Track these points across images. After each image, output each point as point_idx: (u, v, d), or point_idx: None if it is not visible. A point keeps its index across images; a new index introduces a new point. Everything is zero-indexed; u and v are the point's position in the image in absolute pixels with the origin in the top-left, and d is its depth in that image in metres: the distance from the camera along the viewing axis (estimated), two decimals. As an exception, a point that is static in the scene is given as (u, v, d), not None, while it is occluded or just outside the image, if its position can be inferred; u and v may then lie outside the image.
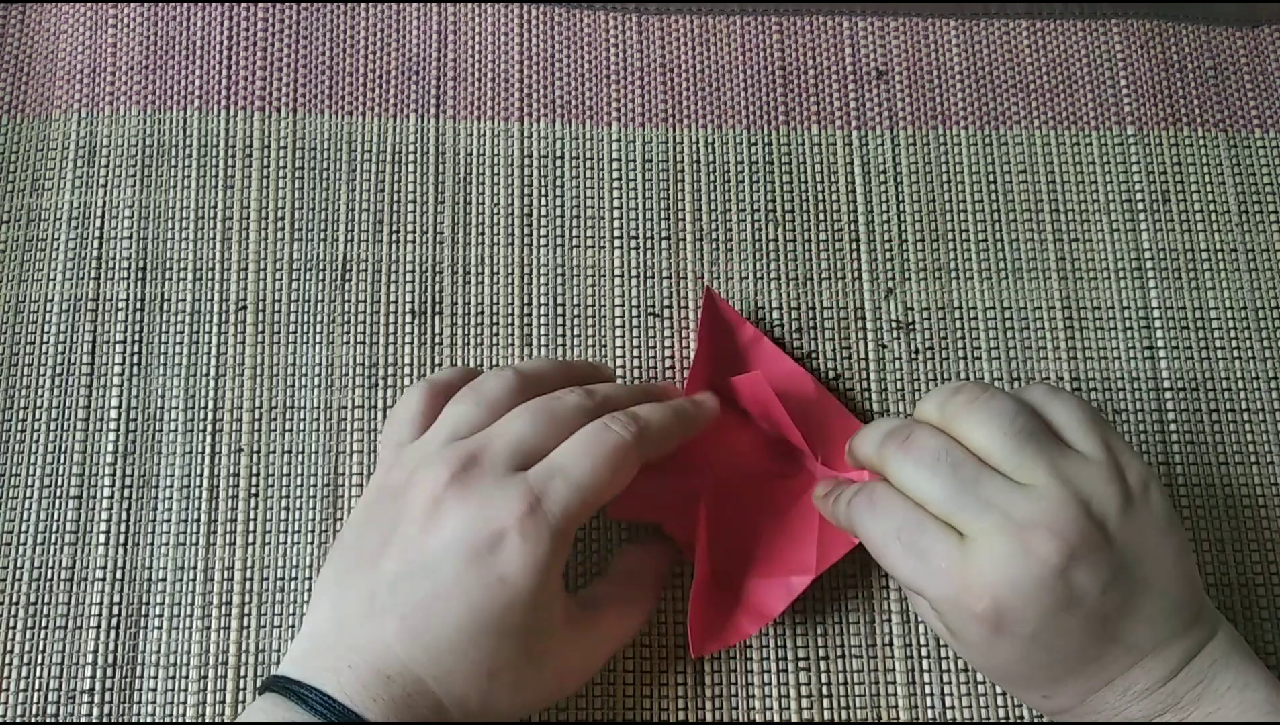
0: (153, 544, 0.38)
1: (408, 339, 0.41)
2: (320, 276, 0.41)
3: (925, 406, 0.34)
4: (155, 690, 0.37)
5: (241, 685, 0.37)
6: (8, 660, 0.37)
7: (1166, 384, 0.42)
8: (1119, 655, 0.31)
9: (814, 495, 0.37)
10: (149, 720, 0.36)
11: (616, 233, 0.43)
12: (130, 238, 0.42)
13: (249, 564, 0.38)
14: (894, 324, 0.42)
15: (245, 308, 0.41)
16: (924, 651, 0.38)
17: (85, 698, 0.37)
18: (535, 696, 0.33)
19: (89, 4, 0.45)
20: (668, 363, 0.41)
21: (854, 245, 0.43)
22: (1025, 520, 0.30)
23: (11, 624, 0.37)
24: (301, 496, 0.39)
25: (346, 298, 0.41)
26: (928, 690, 0.37)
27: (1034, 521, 0.30)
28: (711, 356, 0.39)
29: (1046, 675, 0.32)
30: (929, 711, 0.37)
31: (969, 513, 0.30)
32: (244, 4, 0.44)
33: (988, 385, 0.33)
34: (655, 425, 0.33)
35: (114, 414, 0.40)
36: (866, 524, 0.33)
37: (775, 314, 0.42)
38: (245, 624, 0.38)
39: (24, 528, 0.38)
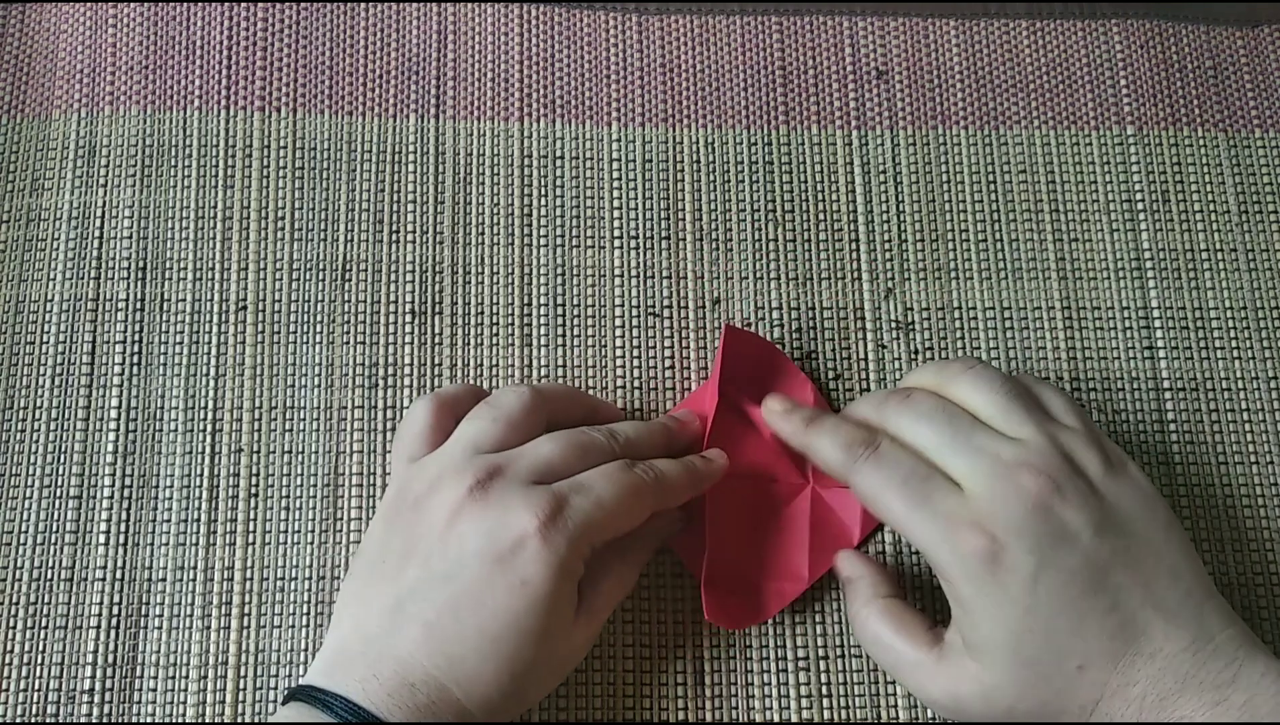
0: (153, 544, 0.38)
1: (408, 339, 0.41)
2: (320, 276, 0.41)
3: (921, 376, 0.36)
4: (155, 690, 0.37)
5: (241, 685, 0.37)
6: (8, 660, 0.37)
7: (1166, 384, 0.42)
8: (1134, 610, 0.31)
9: (767, 408, 0.38)
10: (149, 720, 0.36)
11: (616, 233, 0.43)
12: (130, 238, 0.42)
13: (249, 564, 0.38)
14: (894, 324, 0.42)
15: (245, 308, 0.41)
16: (924, 651, 0.38)
17: (85, 698, 0.37)
18: (549, 684, 0.34)
19: (89, 4, 0.45)
20: (668, 363, 0.41)
21: (854, 245, 0.43)
22: (1013, 461, 0.32)
23: (11, 624, 0.37)
24: (301, 496, 0.39)
25: (346, 298, 0.41)
26: (928, 690, 0.37)
27: (1020, 462, 0.32)
28: (726, 383, 0.39)
29: (1068, 631, 0.31)
30: (928, 711, 0.37)
31: (963, 457, 0.33)
32: (244, 4, 0.44)
33: (978, 358, 0.36)
34: (671, 480, 0.35)
35: (114, 414, 0.40)
36: (868, 475, 0.34)
37: (775, 314, 0.42)
38: (245, 624, 0.38)
39: (24, 528, 0.38)
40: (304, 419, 0.40)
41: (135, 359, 0.40)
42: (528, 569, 0.31)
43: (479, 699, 0.31)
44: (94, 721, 0.36)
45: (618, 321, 0.41)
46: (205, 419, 0.40)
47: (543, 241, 0.42)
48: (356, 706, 0.30)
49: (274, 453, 0.39)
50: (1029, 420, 0.34)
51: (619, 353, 0.41)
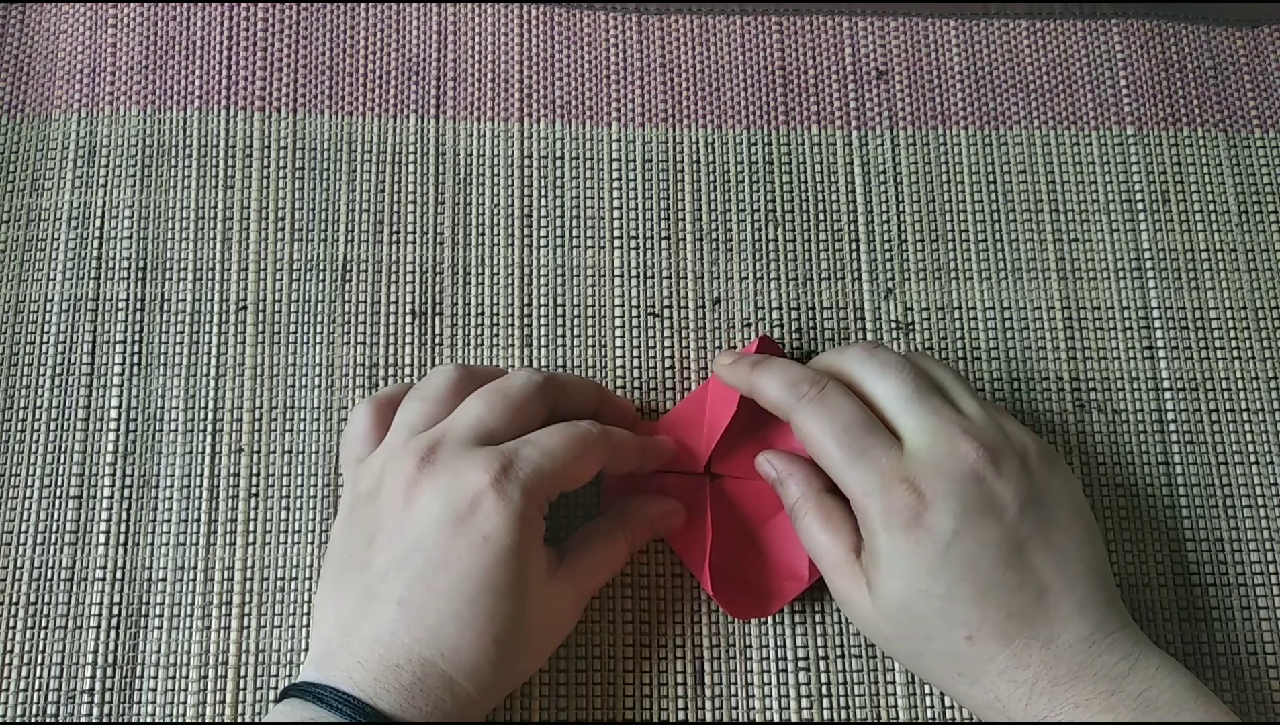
0: (153, 544, 0.38)
1: (408, 340, 0.41)
2: (320, 277, 0.41)
3: (847, 359, 0.37)
4: (155, 690, 0.37)
5: (241, 685, 0.37)
6: (8, 660, 0.37)
7: (1166, 384, 0.42)
8: (1041, 593, 0.32)
9: (716, 364, 0.38)
10: (149, 720, 0.36)
11: (616, 233, 0.43)
12: (130, 238, 0.42)
13: (249, 564, 0.38)
14: (894, 324, 0.42)
15: (245, 308, 0.41)
16: (924, 651, 0.38)
17: (85, 698, 0.37)
18: (537, 654, 0.34)
19: (89, 4, 0.45)
20: (667, 363, 0.41)
21: (854, 245, 0.43)
22: (957, 427, 0.33)
23: (11, 624, 0.37)
24: (301, 496, 0.39)
25: (347, 298, 0.41)
26: (927, 690, 0.37)
27: (964, 430, 0.33)
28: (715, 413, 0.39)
29: (969, 597, 0.32)
30: (928, 711, 0.37)
31: (915, 416, 0.34)
32: (244, 4, 0.44)
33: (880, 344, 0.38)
34: (619, 437, 0.36)
35: (114, 414, 0.40)
36: (812, 417, 0.34)
37: (775, 314, 0.42)
38: (245, 624, 0.38)
39: (24, 528, 0.38)
40: (304, 419, 0.40)
41: (135, 359, 0.40)
42: (487, 524, 0.31)
43: (466, 669, 0.31)
44: (94, 721, 0.36)
45: (618, 321, 0.41)
46: (205, 419, 0.40)
47: (543, 242, 0.42)
48: (346, 695, 0.30)
49: (274, 453, 0.39)
50: (976, 401, 0.35)
51: (619, 353, 0.41)
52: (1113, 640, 0.32)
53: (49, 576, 0.38)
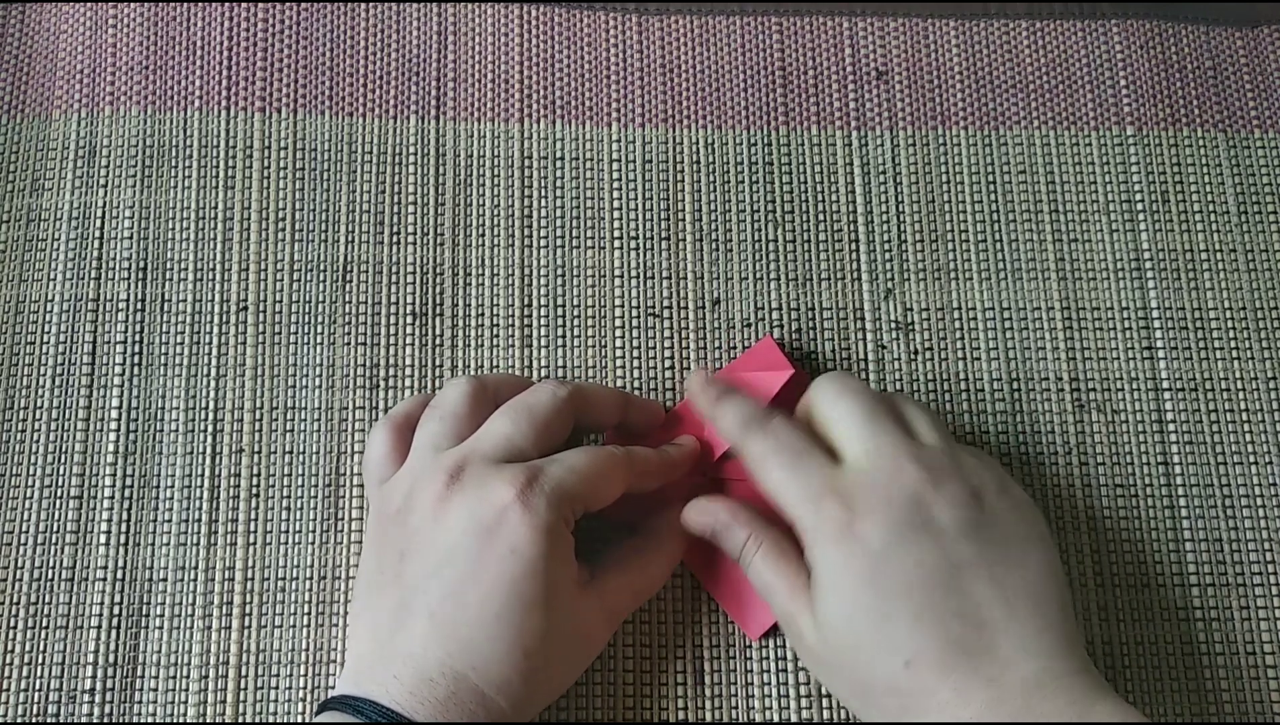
0: (153, 544, 0.38)
1: (408, 341, 0.41)
2: (321, 278, 0.41)
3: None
4: (156, 690, 0.37)
5: (242, 685, 0.37)
6: (8, 660, 0.37)
7: (1166, 384, 0.42)
8: (983, 625, 0.31)
9: (688, 381, 0.38)
10: (149, 720, 0.37)
11: (616, 233, 0.43)
12: (130, 238, 0.42)
13: (249, 564, 0.38)
14: (893, 325, 0.42)
15: (246, 308, 0.41)
16: (923, 652, 0.38)
17: (86, 698, 0.37)
18: (569, 667, 0.34)
19: (89, 4, 0.45)
20: (667, 363, 0.41)
21: (854, 246, 0.43)
22: (904, 449, 0.33)
23: (12, 624, 0.37)
24: (302, 497, 0.39)
25: (347, 299, 0.41)
26: (927, 690, 0.37)
27: (912, 455, 0.33)
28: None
29: (906, 619, 0.31)
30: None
31: (866, 438, 0.34)
32: (244, 4, 0.44)
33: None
34: (642, 456, 0.36)
35: (114, 414, 0.40)
36: (756, 442, 0.35)
37: (775, 314, 0.42)
38: (245, 624, 0.38)
39: (24, 528, 0.38)
40: (305, 420, 0.40)
41: (136, 360, 0.40)
42: (514, 536, 0.32)
43: (497, 682, 0.31)
44: (94, 721, 0.36)
45: (618, 322, 0.41)
46: (206, 419, 0.40)
47: (543, 242, 0.42)
48: (383, 708, 0.31)
49: (275, 453, 0.39)
50: (943, 435, 0.35)
51: (619, 353, 0.41)
52: (1062, 684, 0.30)
53: (49, 577, 0.38)
